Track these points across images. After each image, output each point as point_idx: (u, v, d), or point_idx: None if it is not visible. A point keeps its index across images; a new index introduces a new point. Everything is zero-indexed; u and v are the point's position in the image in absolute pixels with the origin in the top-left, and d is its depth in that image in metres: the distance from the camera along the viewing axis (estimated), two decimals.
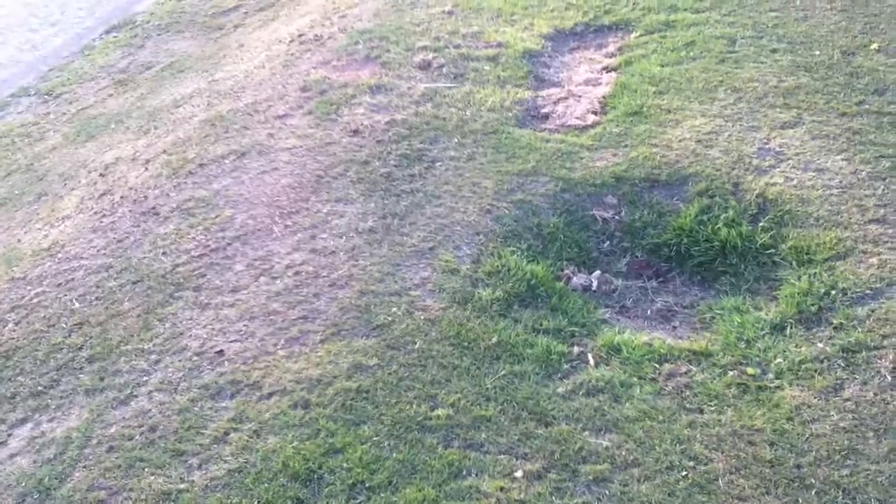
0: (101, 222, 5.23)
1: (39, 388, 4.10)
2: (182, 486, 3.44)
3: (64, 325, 4.45)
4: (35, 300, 4.70)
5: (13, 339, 4.44)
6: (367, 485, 3.37)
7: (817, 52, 5.89)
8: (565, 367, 3.90)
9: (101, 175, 5.76)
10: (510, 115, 5.73)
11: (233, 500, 3.36)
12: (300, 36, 7.28)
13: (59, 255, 4.99)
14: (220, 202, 5.23)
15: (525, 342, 4.01)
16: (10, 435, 3.88)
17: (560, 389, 3.77)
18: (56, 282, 4.79)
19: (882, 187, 4.62)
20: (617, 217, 4.88)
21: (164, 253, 4.84)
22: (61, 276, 4.83)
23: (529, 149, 5.32)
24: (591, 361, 3.93)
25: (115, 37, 8.27)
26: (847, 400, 3.59)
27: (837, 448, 3.41)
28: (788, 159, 4.91)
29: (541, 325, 4.14)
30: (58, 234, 5.20)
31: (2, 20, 9.04)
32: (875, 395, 3.59)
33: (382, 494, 3.32)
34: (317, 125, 5.90)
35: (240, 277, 4.58)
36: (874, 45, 5.89)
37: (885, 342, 3.80)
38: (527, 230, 4.75)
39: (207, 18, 8.43)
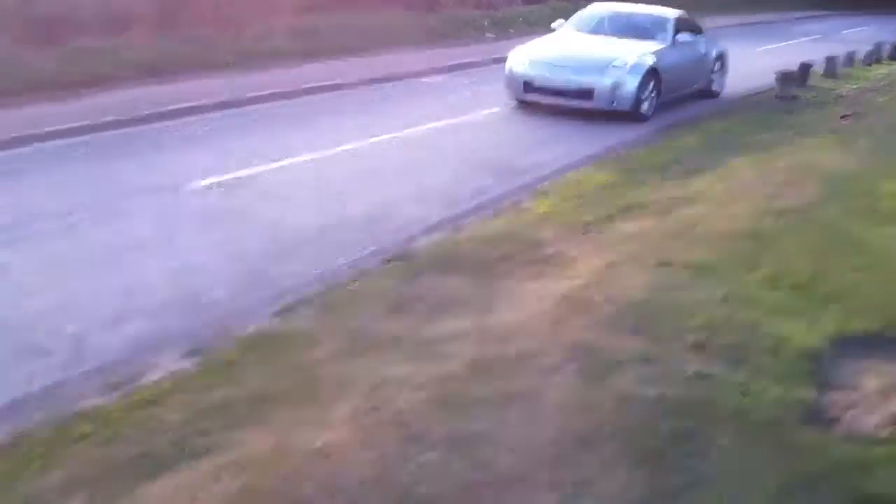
0: (369, 437, 5.34)
1: None
2: None
3: None
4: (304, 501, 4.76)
5: None
6: None
7: None
8: None
9: (371, 390, 5.95)
10: (791, 413, 5.49)
11: None
12: (569, 297, 7.48)
13: (328, 459, 5.08)
14: (482, 442, 5.23)
15: None
16: None
17: None
18: (323, 484, 4.85)
19: None
20: None
21: (425, 480, 4.83)
22: (328, 478, 4.89)
23: (815, 452, 5.01)
24: None
25: (393, 265, 8.81)
26: None
27: None
28: None
29: None
30: (328, 438, 5.32)
31: (296, 236, 9.95)
32: None
33: None
34: (583, 386, 5.91)
35: None
36: None
37: None
38: None
39: (478, 263, 8.85)
